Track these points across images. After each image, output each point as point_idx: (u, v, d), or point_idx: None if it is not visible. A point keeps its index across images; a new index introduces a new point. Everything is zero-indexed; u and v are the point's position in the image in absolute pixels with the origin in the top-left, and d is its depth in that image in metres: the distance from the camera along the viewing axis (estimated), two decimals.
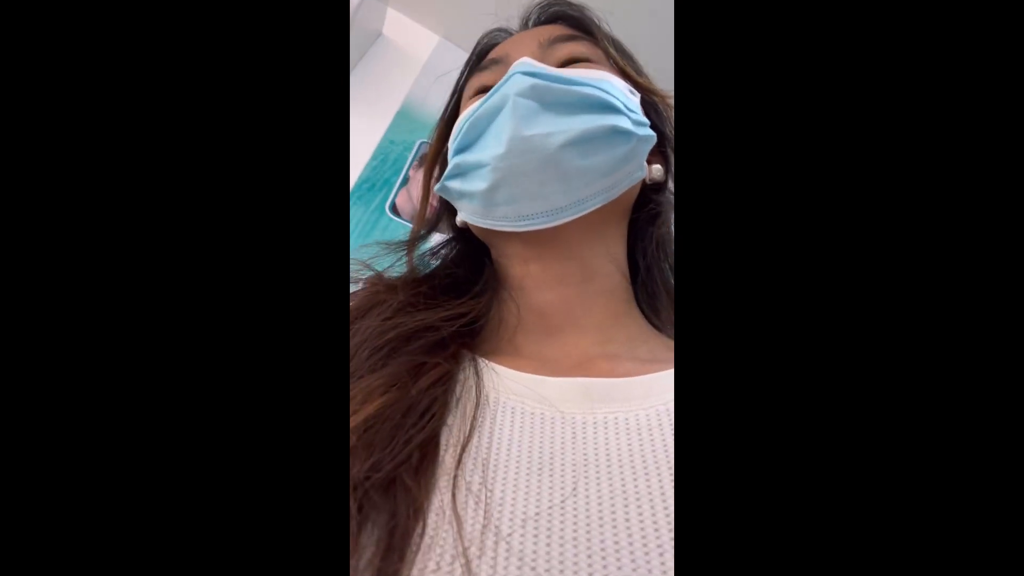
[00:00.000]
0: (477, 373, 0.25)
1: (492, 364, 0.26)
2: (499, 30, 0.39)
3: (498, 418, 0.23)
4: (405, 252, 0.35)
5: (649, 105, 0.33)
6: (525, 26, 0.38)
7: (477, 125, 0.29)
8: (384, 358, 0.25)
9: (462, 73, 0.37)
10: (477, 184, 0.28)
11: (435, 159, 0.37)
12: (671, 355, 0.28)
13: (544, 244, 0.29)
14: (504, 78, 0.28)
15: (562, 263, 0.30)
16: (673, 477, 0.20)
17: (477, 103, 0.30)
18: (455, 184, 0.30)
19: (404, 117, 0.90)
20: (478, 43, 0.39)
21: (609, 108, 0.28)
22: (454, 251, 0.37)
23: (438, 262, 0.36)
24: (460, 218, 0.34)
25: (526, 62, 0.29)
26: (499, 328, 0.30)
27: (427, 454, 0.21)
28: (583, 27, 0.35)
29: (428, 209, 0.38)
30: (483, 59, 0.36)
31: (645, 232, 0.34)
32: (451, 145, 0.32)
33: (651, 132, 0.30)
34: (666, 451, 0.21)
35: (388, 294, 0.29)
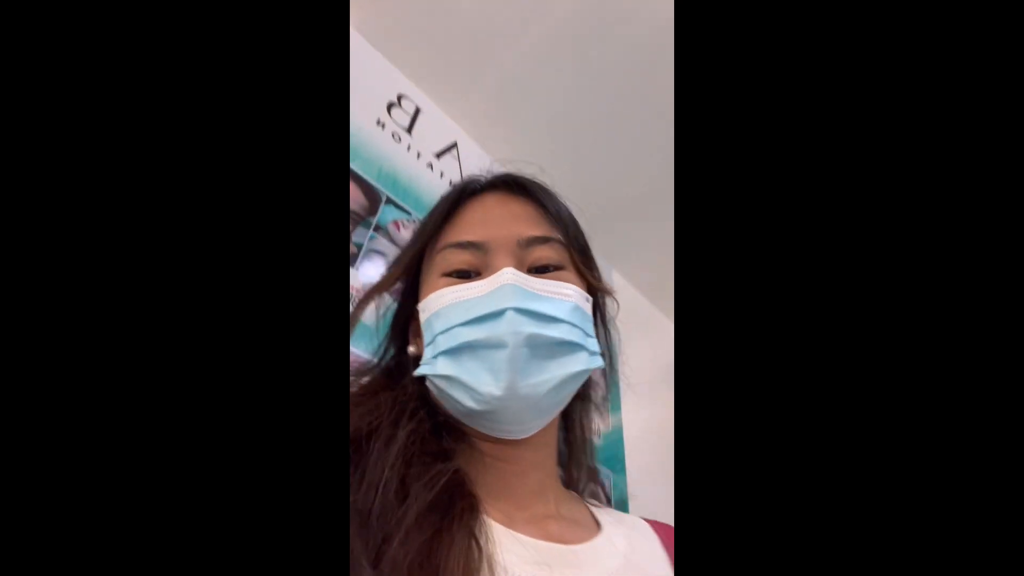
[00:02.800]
0: (486, 533, 0.29)
1: (489, 520, 0.31)
2: (472, 180, 0.43)
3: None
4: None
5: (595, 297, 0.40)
6: (493, 185, 0.42)
7: (470, 345, 0.33)
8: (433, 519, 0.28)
9: (431, 220, 0.41)
10: (465, 400, 0.33)
11: (387, 287, 0.41)
12: (578, 513, 0.38)
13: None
14: (496, 299, 0.33)
15: (513, 447, 0.36)
16: None
17: (466, 303, 0.34)
18: (440, 383, 0.35)
19: None
20: (454, 192, 0.42)
21: (578, 347, 0.35)
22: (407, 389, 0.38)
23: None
24: (414, 351, 0.39)
25: (515, 287, 0.34)
26: (469, 469, 0.34)
27: None
28: (552, 216, 0.40)
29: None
30: (455, 210, 0.40)
31: (575, 406, 0.42)
32: (431, 326, 0.35)
33: (601, 360, 0.37)
34: None
35: (389, 428, 0.32)
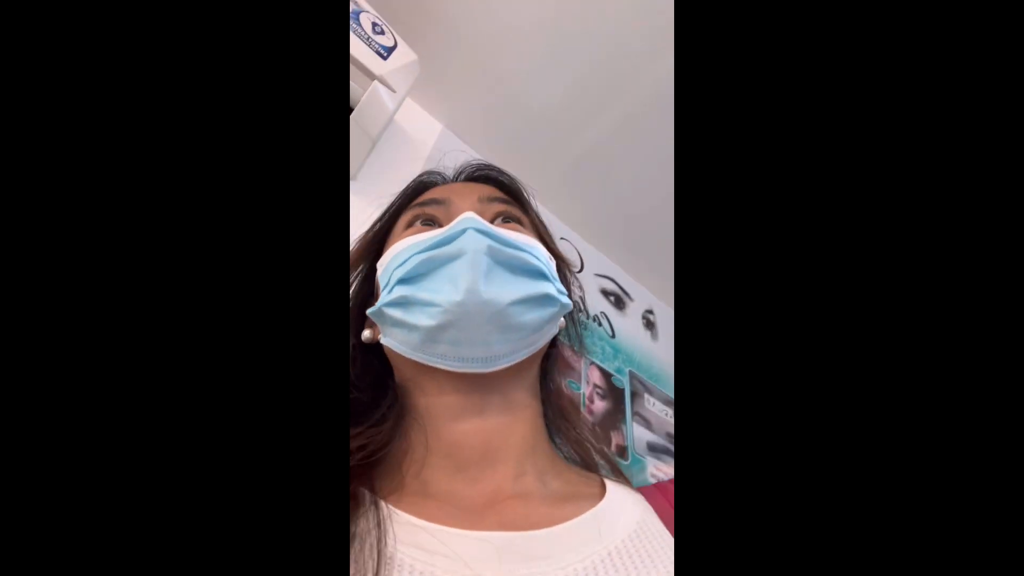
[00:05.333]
0: (379, 523, 0.24)
1: (396, 510, 0.25)
2: (434, 172, 0.45)
3: None
4: None
5: (559, 270, 0.38)
6: (456, 179, 0.44)
7: (429, 263, 0.31)
8: None
9: (394, 202, 0.42)
10: (422, 319, 0.30)
11: (353, 268, 0.39)
12: (580, 486, 0.31)
13: (471, 380, 0.31)
14: (457, 226, 0.31)
15: (484, 396, 0.31)
16: None
17: (426, 239, 0.32)
18: (395, 312, 0.31)
19: None
20: (414, 181, 0.43)
21: (542, 275, 0.33)
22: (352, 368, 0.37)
23: None
24: (368, 336, 0.35)
25: (475, 218, 0.32)
26: (404, 460, 0.30)
27: None
28: (514, 195, 0.41)
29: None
30: (418, 195, 0.40)
31: (549, 367, 0.39)
32: (388, 269, 0.33)
33: (568, 301, 0.34)
34: None
35: None
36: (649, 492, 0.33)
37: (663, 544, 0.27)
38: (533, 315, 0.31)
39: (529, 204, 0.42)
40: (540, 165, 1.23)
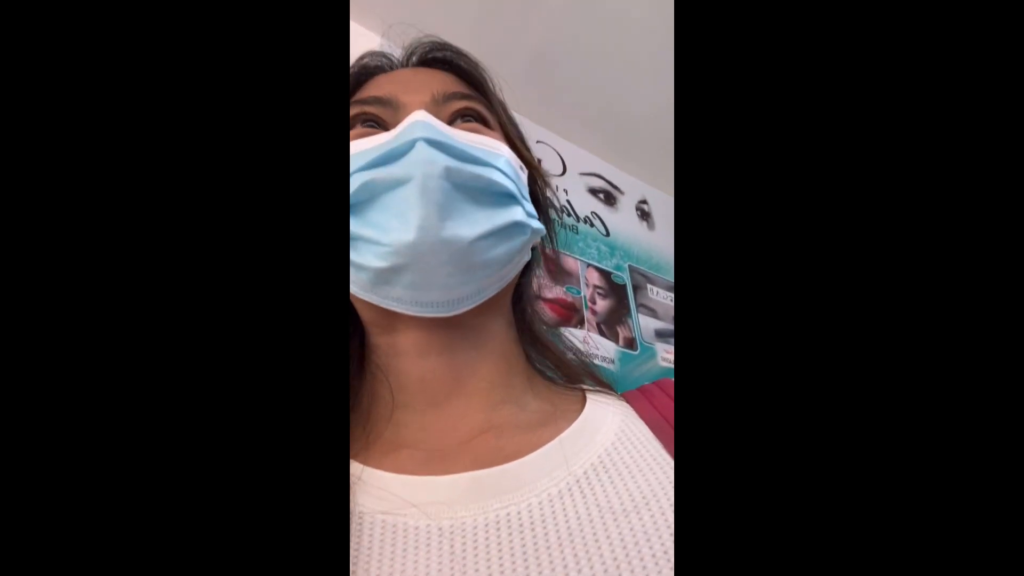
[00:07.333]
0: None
1: (366, 467, 0.24)
2: (377, 54, 0.36)
3: (387, 540, 0.21)
4: None
5: (530, 177, 0.33)
6: (406, 63, 0.36)
7: (371, 188, 0.26)
8: None
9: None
10: (370, 260, 0.26)
11: None
12: (562, 403, 0.29)
13: (435, 320, 0.28)
14: (404, 135, 0.26)
15: (451, 331, 0.28)
16: (578, 568, 0.19)
17: (367, 150, 0.27)
18: None
19: None
20: (354, 66, 0.35)
21: (510, 198, 0.28)
22: None
23: None
24: None
25: (428, 122, 0.27)
26: (372, 412, 0.27)
27: None
28: (477, 85, 0.34)
29: None
30: (360, 85, 0.34)
31: (522, 291, 0.35)
32: None
33: (540, 225, 0.31)
34: (559, 543, 0.21)
35: None
36: (633, 397, 0.31)
37: (646, 449, 0.26)
38: (501, 249, 0.27)
39: (495, 97, 0.35)
40: (500, 56, 1.12)
